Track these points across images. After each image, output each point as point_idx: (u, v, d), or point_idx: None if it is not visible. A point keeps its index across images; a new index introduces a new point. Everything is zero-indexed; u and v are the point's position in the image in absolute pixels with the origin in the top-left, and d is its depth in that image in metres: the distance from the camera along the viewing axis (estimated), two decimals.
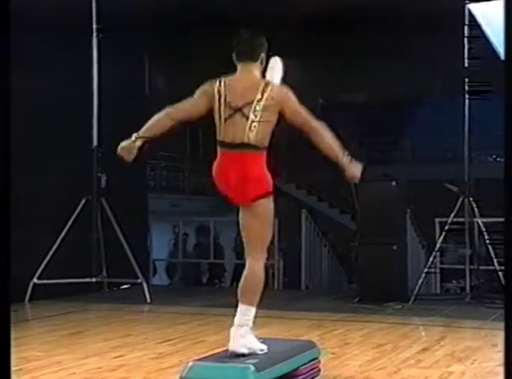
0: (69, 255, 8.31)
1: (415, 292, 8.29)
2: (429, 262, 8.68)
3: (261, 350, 4.04)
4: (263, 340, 4.51)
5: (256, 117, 3.95)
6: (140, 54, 10.90)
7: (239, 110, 3.99)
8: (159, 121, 4.31)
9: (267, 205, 4.03)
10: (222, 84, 4.05)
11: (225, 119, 4.02)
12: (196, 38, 11.33)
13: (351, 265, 12.80)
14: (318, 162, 18.76)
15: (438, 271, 9.89)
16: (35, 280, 8.28)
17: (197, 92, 4.15)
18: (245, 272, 4.07)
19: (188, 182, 17.73)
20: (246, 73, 4.10)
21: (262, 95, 3.97)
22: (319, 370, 4.51)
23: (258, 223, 4.03)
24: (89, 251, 8.94)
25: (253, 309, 4.05)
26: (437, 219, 9.49)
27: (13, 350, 5.74)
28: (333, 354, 5.20)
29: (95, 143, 8.88)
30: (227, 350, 4.33)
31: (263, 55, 4.18)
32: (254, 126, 3.95)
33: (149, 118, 12.12)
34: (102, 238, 8.98)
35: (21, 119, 8.18)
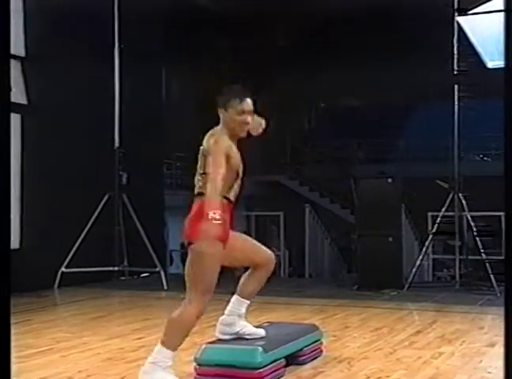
0: (94, 246, 8.34)
1: (409, 280, 8.28)
2: (422, 252, 8.67)
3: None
4: (269, 324, 4.54)
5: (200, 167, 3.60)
6: (157, 64, 10.91)
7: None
8: None
9: (198, 249, 3.49)
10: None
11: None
12: (207, 52, 11.36)
13: (350, 256, 12.79)
14: (320, 161, 18.74)
15: (430, 260, 9.89)
16: (63, 269, 8.32)
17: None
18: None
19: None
20: None
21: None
22: (321, 351, 4.53)
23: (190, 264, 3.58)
24: (112, 242, 8.98)
25: (165, 351, 3.50)
26: (429, 213, 9.48)
27: (43, 331, 5.79)
28: (334, 336, 5.20)
29: (117, 144, 8.91)
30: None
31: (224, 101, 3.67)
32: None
33: (165, 122, 12.08)
34: (123, 230, 9.02)
35: (51, 122, 8.25)
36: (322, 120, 20.04)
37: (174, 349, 3.53)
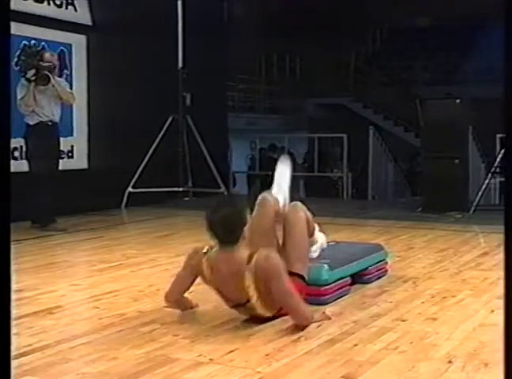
0: (159, 167, 8.44)
1: (475, 203, 8.13)
2: (488, 176, 8.46)
3: None
4: (335, 243, 4.54)
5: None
6: None
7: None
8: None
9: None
10: (206, 266, 3.35)
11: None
12: None
13: (415, 178, 12.63)
14: (384, 83, 18.33)
15: (497, 183, 9.64)
16: (130, 189, 8.47)
17: (184, 264, 3.49)
18: None
19: (263, 102, 17.63)
20: (230, 254, 3.29)
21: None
22: (386, 271, 4.52)
23: None
24: (176, 163, 9.06)
25: None
26: (498, 135, 9.20)
27: (114, 247, 5.92)
28: (398, 256, 5.19)
29: (180, 64, 8.85)
30: None
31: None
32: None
33: (227, 43, 11.89)
34: (187, 152, 9.08)
35: (115, 43, 8.24)
36: (387, 41, 19.49)
37: None
